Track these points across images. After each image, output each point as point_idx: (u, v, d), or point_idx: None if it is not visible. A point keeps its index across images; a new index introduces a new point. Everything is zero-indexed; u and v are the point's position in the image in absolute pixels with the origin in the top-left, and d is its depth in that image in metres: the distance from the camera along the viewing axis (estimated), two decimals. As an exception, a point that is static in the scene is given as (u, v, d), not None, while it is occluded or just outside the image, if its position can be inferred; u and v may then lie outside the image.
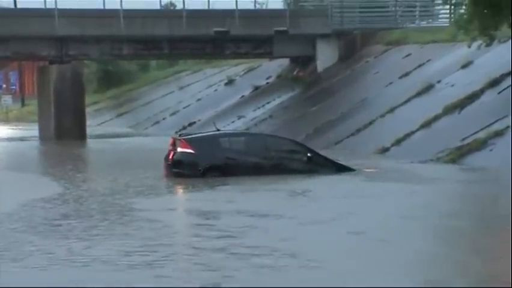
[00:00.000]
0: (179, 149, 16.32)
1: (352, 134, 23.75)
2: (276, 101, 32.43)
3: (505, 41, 22.45)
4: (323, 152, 17.54)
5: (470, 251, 8.81)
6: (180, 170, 16.16)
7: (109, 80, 49.26)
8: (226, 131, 18.42)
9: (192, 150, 16.24)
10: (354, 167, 16.66)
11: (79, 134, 31.32)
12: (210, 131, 18.44)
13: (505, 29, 21.18)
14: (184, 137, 17.01)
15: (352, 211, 11.63)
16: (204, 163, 16.11)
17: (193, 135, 17.69)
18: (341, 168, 16.39)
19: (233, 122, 31.66)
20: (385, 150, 21.10)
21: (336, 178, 15.71)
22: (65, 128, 31.25)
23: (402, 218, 10.96)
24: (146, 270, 7.93)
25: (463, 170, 17.25)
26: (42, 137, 32.42)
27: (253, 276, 7.57)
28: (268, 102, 32.62)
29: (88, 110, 35.00)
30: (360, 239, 9.57)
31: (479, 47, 21.72)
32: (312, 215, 11.19)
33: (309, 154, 16.33)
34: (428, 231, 10.10)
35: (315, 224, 10.68)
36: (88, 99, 36.46)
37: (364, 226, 10.32)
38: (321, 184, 14.89)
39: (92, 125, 36.59)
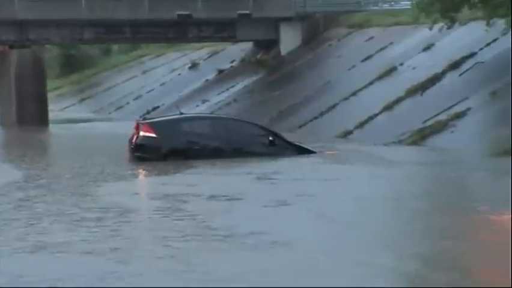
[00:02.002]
0: (141, 133, 16.26)
1: (315, 118, 23.84)
2: (240, 84, 32.41)
3: (465, 24, 22.67)
4: (286, 136, 17.57)
5: (428, 232, 8.90)
6: (142, 154, 16.09)
7: (71, 64, 48.76)
8: (189, 115, 18.32)
9: (154, 134, 16.19)
10: (316, 150, 16.74)
11: (41, 119, 30.98)
12: (173, 114, 18.36)
13: (465, 12, 21.37)
14: (146, 121, 16.94)
15: (313, 193, 11.67)
16: (166, 147, 16.07)
17: (156, 119, 17.62)
18: (303, 151, 16.46)
19: (197, 106, 31.57)
20: (348, 133, 21.21)
21: (297, 160, 15.77)
22: (26, 114, 30.88)
23: (362, 199, 11.03)
24: (111, 254, 7.87)
25: (425, 151, 17.42)
26: (3, 123, 32.00)
27: (222, 258, 7.56)
28: (232, 86, 32.58)
29: (50, 95, 34.63)
30: (321, 221, 9.61)
31: (440, 30, 21.90)
32: (273, 197, 11.21)
33: (270, 137, 16.35)
34: (389, 212, 10.18)
35: (278, 206, 10.70)
36: (49, 85, 36.05)
37: (325, 208, 10.38)
38: (282, 166, 14.91)
39: (54, 111, 36.21)
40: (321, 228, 9.21)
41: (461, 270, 7.08)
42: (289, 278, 6.79)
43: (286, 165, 15.15)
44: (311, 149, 16.69)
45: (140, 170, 15.49)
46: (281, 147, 16.35)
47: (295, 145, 16.63)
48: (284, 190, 12.10)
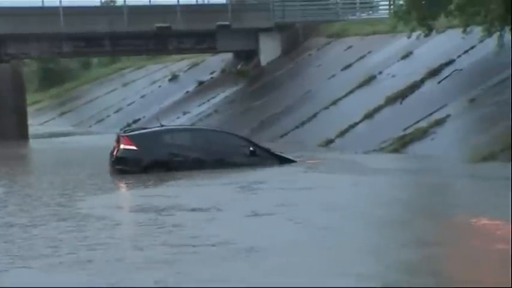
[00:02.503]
0: (122, 146, 16.22)
1: (296, 127, 23.89)
2: (220, 95, 32.43)
3: (442, 31, 22.84)
4: (267, 145, 17.60)
5: (409, 239, 8.93)
6: (123, 166, 16.05)
7: (51, 78, 48.60)
8: (169, 127, 18.28)
9: (135, 146, 16.16)
10: (297, 159, 16.78)
11: (20, 134, 30.83)
12: (154, 126, 18.34)
13: (442, 20, 21.56)
14: (127, 134, 16.90)
15: (294, 202, 11.69)
16: (147, 159, 16.04)
17: (137, 132, 17.58)
18: (284, 160, 16.49)
19: (178, 117, 31.55)
20: (329, 142, 21.28)
21: (279, 170, 15.79)
22: (6, 128, 30.70)
23: (343, 208, 11.05)
24: (90, 265, 7.84)
25: (406, 158, 17.49)
26: (-17, 138, 31.76)
27: (206, 269, 7.54)
28: (213, 97, 32.59)
29: (29, 109, 34.47)
30: (302, 230, 9.63)
31: (418, 38, 22.06)
32: (254, 207, 11.21)
33: (251, 148, 16.37)
34: (369, 220, 10.20)
35: (259, 215, 10.70)
36: (29, 99, 35.91)
37: (306, 216, 10.40)
38: (264, 176, 14.92)
39: (34, 125, 36.04)
40: (301, 236, 9.22)
41: (442, 276, 7.12)
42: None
43: (268, 175, 15.15)
44: (292, 158, 16.74)
45: (121, 183, 15.43)
46: (262, 157, 16.37)
47: (276, 155, 16.67)
48: (266, 200, 12.10)
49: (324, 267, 7.55)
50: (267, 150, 16.70)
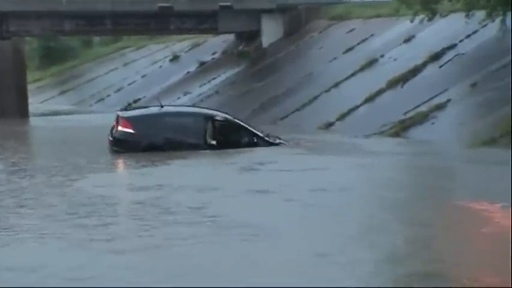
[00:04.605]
0: (120, 128, 16.18)
1: (297, 110, 23.87)
2: (221, 76, 32.36)
3: (445, 15, 22.76)
4: (268, 128, 17.58)
5: (410, 222, 8.97)
6: (120, 148, 16.04)
7: (52, 56, 48.41)
8: (169, 110, 17.74)
9: (132, 129, 16.10)
10: (294, 141, 16.81)
11: (21, 112, 30.78)
12: (153, 105, 18.19)
13: (445, 3, 21.47)
14: (125, 116, 16.72)
15: (295, 183, 11.72)
16: (144, 143, 15.97)
17: (135, 114, 17.38)
18: (271, 144, 16.41)
19: (179, 98, 31.49)
20: (330, 125, 21.27)
21: (278, 151, 15.82)
22: (6, 106, 30.65)
23: (344, 189, 11.08)
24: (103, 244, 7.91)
25: (406, 142, 17.51)
26: (-17, 116, 31.75)
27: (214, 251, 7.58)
28: (214, 78, 32.53)
29: (30, 87, 34.40)
30: (306, 210, 9.69)
31: (421, 21, 21.98)
32: (255, 187, 11.26)
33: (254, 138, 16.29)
34: (371, 202, 10.23)
35: (262, 195, 10.76)
36: (30, 77, 35.83)
37: (304, 197, 10.45)
38: (262, 158, 14.93)
39: (34, 103, 35.99)
40: (301, 216, 9.26)
41: (440, 259, 7.15)
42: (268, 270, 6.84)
43: (268, 157, 15.17)
44: (277, 142, 16.63)
45: (121, 162, 15.45)
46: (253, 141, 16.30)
47: (267, 141, 16.51)
48: (267, 180, 12.13)
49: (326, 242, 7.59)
50: (256, 134, 16.50)
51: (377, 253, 7.29)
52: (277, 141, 16.74)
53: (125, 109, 18.44)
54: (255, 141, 16.26)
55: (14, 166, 15.11)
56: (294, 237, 8.10)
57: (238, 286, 6.38)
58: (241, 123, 16.70)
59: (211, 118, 16.50)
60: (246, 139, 16.25)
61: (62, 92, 43.16)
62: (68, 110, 35.81)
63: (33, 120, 30.15)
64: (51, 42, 47.56)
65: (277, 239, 8.04)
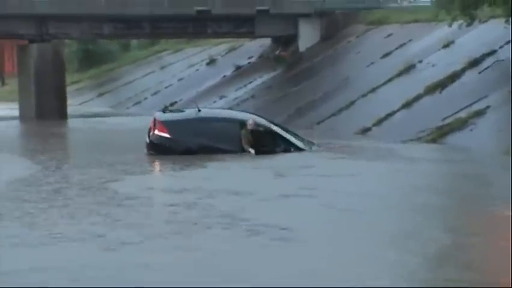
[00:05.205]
0: (156, 132, 16.24)
1: (333, 114, 23.79)
2: (258, 80, 32.41)
3: (485, 21, 22.51)
4: (303, 132, 17.52)
5: (446, 228, 8.88)
6: (156, 152, 16.11)
7: (90, 59, 48.95)
8: (205, 115, 17.60)
9: (168, 134, 16.14)
10: (329, 146, 16.78)
11: (59, 113, 31.19)
12: (191, 108, 18.18)
13: (485, 9, 21.24)
14: (161, 119, 16.68)
15: (330, 188, 11.71)
16: (179, 148, 15.98)
17: (171, 117, 17.23)
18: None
19: (215, 102, 31.61)
20: (366, 130, 21.16)
21: (313, 156, 15.77)
22: (46, 108, 31.09)
23: (378, 195, 11.02)
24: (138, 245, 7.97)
25: (443, 149, 17.33)
26: (23, 117, 32.23)
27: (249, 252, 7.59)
28: (250, 82, 32.59)
29: (68, 89, 34.81)
30: (342, 214, 9.66)
31: (460, 27, 21.77)
32: (289, 192, 11.26)
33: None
34: (407, 208, 10.15)
35: (296, 199, 10.75)
36: (68, 79, 36.25)
37: (338, 201, 10.41)
38: (297, 162, 14.90)
39: (73, 105, 36.41)
40: (333, 220, 9.25)
41: (475, 268, 7.07)
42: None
43: (302, 160, 15.14)
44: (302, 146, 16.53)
45: (158, 165, 15.53)
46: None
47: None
48: (306, 185, 12.11)
49: (350, 252, 7.55)
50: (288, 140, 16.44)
51: (411, 257, 7.24)
52: (314, 147, 16.68)
53: (163, 111, 18.38)
54: (291, 150, 16.19)
55: (50, 168, 15.27)
56: (329, 241, 8.07)
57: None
58: (278, 131, 16.53)
59: (247, 124, 16.42)
60: (282, 147, 16.21)
61: (100, 95, 43.60)
62: (106, 112, 36.16)
63: (71, 122, 30.49)
64: (90, 45, 48.10)
65: (311, 243, 8.03)
